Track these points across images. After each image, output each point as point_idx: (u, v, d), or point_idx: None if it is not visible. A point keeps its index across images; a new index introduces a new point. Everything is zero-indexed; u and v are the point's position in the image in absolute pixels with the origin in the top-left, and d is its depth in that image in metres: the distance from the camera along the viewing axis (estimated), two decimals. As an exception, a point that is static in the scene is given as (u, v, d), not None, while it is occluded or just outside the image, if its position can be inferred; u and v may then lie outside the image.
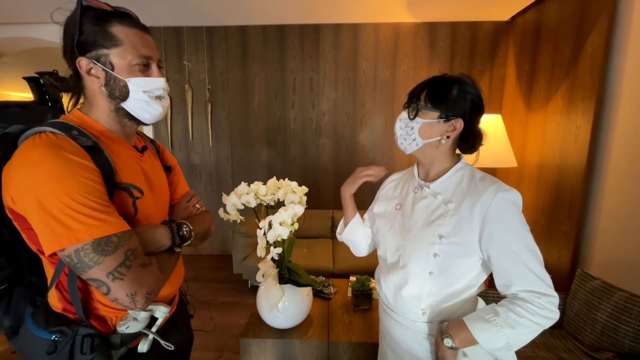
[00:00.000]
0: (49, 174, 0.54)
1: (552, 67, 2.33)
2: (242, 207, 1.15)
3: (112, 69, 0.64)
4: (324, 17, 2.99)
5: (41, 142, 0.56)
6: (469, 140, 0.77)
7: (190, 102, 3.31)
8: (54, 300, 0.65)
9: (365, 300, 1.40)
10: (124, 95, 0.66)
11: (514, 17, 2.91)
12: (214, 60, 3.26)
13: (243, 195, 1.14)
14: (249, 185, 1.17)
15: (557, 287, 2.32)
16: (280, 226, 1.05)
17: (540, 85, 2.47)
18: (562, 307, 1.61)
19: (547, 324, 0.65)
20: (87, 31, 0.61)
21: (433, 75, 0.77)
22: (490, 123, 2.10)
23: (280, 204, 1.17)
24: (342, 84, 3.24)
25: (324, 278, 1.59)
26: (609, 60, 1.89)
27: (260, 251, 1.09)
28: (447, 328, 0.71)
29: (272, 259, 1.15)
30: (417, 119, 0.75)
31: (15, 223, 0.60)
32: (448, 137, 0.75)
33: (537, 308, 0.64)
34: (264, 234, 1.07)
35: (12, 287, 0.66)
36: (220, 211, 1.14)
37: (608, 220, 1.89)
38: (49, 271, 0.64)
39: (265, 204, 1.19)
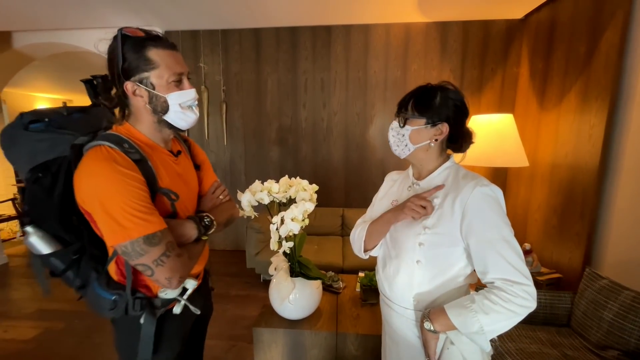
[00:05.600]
0: (107, 183, 0.69)
1: (566, 66, 2.30)
2: (256, 203, 1.22)
3: (153, 88, 0.76)
4: (336, 18, 3.03)
5: (100, 156, 0.70)
6: (458, 141, 0.85)
7: (206, 103, 3.42)
8: (113, 272, 0.82)
9: (373, 295, 1.45)
10: (165, 109, 0.79)
11: (527, 15, 2.87)
12: (229, 62, 3.36)
13: (257, 193, 1.21)
14: (262, 183, 1.24)
15: (569, 287, 2.28)
16: (291, 222, 1.12)
17: (554, 83, 2.44)
18: (570, 306, 1.62)
19: (523, 312, 0.69)
20: (128, 59, 0.73)
21: (418, 86, 0.85)
22: (502, 122, 2.09)
23: (291, 201, 1.23)
24: (352, 84, 3.28)
25: (333, 273, 1.65)
26: (624, 58, 1.87)
27: (273, 245, 1.17)
28: (429, 313, 0.79)
29: (284, 253, 1.22)
30: (407, 126, 0.83)
31: (87, 217, 0.76)
32: (436, 140, 0.83)
33: (510, 296, 0.69)
34: (277, 229, 1.14)
35: (81, 258, 0.82)
36: (235, 208, 1.22)
37: (621, 221, 1.87)
38: (110, 250, 0.80)
39: (277, 201, 1.26)
